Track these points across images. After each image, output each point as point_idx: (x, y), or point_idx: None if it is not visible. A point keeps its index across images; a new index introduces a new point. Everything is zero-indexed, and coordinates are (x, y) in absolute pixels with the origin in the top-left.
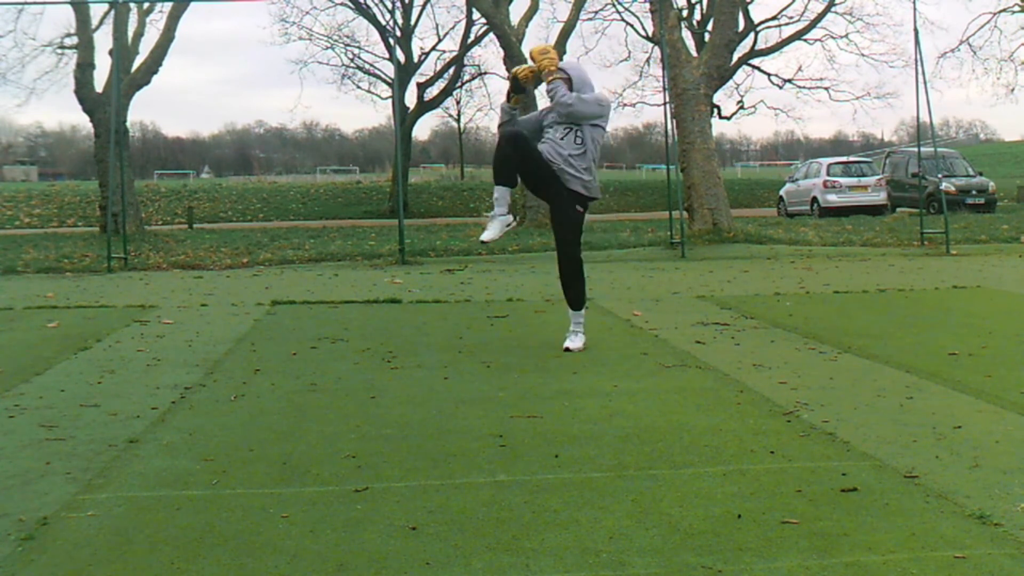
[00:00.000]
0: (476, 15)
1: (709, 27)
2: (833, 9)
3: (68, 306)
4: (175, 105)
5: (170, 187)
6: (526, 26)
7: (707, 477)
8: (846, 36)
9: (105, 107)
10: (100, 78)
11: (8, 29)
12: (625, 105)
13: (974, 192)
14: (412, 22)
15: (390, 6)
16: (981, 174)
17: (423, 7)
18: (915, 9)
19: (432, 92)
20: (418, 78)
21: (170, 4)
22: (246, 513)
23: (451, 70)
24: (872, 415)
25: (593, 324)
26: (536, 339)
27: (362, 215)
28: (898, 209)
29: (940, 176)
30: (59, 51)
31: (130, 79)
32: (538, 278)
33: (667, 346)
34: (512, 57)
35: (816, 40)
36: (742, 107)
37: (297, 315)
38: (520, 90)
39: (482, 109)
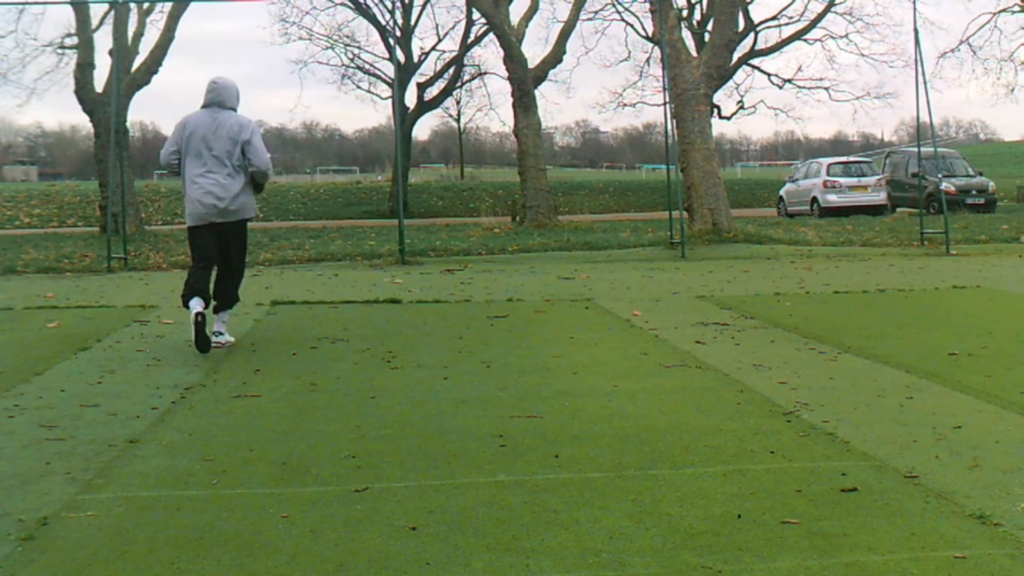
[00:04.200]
0: (476, 15)
1: (709, 27)
2: (833, 9)
3: (68, 306)
4: (175, 105)
5: (170, 187)
6: (526, 26)
7: (707, 477)
8: (846, 36)
9: (105, 107)
10: (100, 78)
11: (9, 29)
12: (625, 105)
13: (974, 192)
14: (412, 22)
15: (390, 6)
16: (981, 174)
17: (423, 7)
18: (915, 9)
19: (432, 92)
20: (418, 78)
21: (170, 4)
22: (246, 513)
23: (451, 70)
24: (872, 415)
25: (593, 324)
26: (536, 339)
27: (362, 215)
28: (898, 209)
29: (940, 176)
30: (59, 51)
31: (130, 79)
32: (538, 278)
33: (667, 346)
34: (512, 57)
35: (816, 40)
36: (742, 107)
37: (297, 315)
38: None
39: (482, 109)
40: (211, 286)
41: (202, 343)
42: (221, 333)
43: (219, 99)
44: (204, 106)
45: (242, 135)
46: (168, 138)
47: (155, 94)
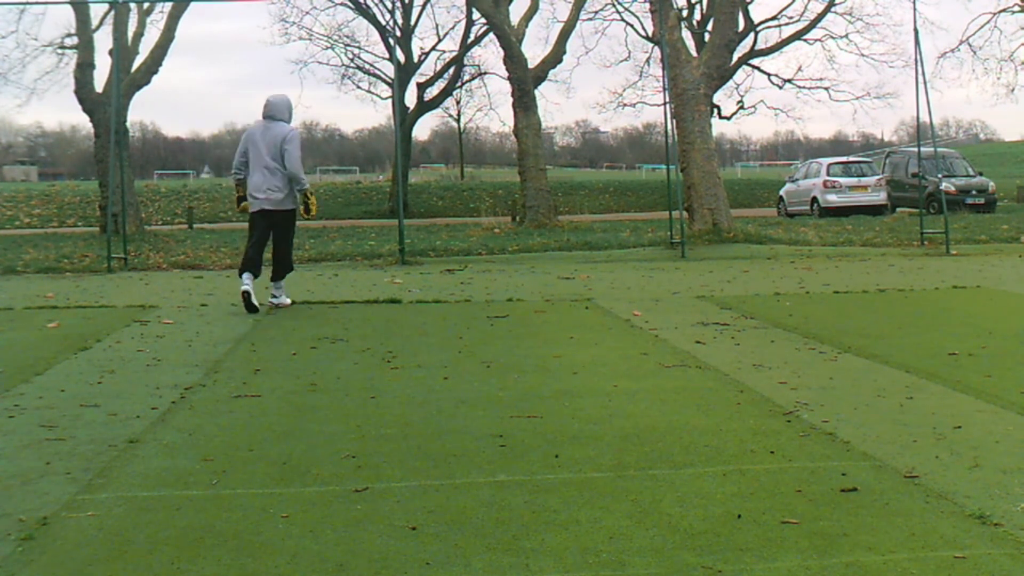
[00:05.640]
0: (476, 15)
1: (709, 27)
2: (833, 9)
3: (68, 306)
4: (175, 105)
5: (170, 187)
6: (526, 26)
7: (707, 477)
8: (846, 36)
9: (105, 107)
10: (100, 78)
11: (10, 30)
12: (625, 105)
13: (974, 192)
14: (412, 22)
15: (390, 6)
16: (981, 174)
17: (423, 7)
18: (915, 9)
19: (432, 92)
20: (418, 78)
21: (170, 4)
22: (246, 513)
23: (451, 70)
24: (872, 415)
25: (593, 324)
26: (536, 339)
27: (362, 215)
28: (898, 209)
29: (940, 176)
30: (59, 51)
31: (130, 79)
32: (538, 278)
33: (667, 346)
34: (512, 57)
35: (816, 40)
36: (742, 107)
37: (297, 315)
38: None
39: (482, 109)
40: (260, 261)
41: (249, 308)
42: (276, 296)
43: (271, 113)
44: (262, 118)
45: (284, 144)
46: (237, 147)
47: (155, 94)
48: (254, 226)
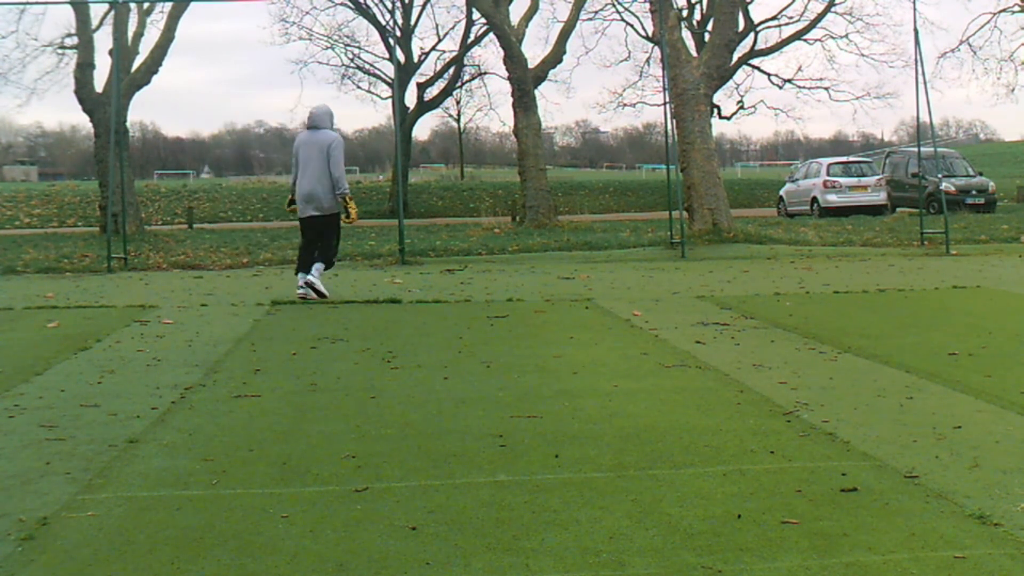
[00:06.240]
0: (476, 15)
1: (709, 27)
2: (833, 9)
3: (68, 306)
4: (175, 105)
5: (170, 187)
6: (526, 26)
7: (707, 477)
8: (846, 36)
9: (105, 107)
10: (100, 78)
11: (10, 30)
12: (625, 105)
13: (974, 192)
14: (412, 22)
15: (390, 6)
16: (981, 174)
17: (423, 7)
18: (915, 9)
19: (432, 92)
20: (418, 78)
21: (170, 4)
22: (246, 513)
23: (451, 70)
24: (872, 415)
25: (593, 324)
26: (536, 339)
27: (362, 215)
28: (898, 209)
29: (940, 176)
30: (59, 51)
31: (130, 79)
32: (538, 278)
33: (667, 346)
34: (512, 57)
35: (816, 40)
36: (742, 107)
37: (297, 315)
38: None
39: (482, 109)
40: (312, 262)
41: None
42: (314, 277)
43: (314, 123)
44: (307, 128)
45: (330, 150)
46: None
47: (155, 94)
48: (304, 231)
